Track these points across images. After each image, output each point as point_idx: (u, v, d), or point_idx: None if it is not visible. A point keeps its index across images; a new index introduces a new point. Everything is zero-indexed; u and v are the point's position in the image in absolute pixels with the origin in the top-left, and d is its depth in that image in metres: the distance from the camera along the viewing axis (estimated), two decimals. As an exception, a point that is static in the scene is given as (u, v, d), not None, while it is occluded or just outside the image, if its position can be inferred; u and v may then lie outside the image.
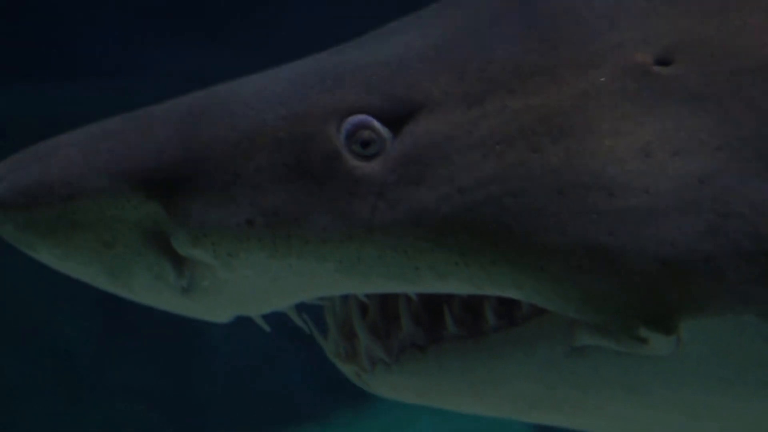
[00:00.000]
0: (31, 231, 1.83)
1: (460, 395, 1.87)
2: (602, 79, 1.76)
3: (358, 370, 1.91)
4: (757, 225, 1.68)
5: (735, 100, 1.72)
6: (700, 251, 1.68)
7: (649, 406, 1.81)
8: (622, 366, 1.76)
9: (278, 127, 1.79)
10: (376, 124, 1.77)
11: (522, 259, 1.71)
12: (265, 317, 1.91)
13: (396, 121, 1.78)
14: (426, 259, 1.74)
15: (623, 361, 1.75)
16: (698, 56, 1.75)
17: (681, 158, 1.71)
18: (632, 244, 1.69)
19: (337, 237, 1.75)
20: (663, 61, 1.76)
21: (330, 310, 1.93)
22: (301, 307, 1.92)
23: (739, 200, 1.69)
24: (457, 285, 1.76)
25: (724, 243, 1.68)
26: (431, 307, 1.86)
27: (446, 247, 1.72)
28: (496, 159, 1.73)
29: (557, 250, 1.70)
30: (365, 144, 1.77)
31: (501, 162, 1.73)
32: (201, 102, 1.87)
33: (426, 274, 1.75)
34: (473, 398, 1.87)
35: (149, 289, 1.84)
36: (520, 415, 1.89)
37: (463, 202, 1.73)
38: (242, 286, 1.81)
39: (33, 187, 1.82)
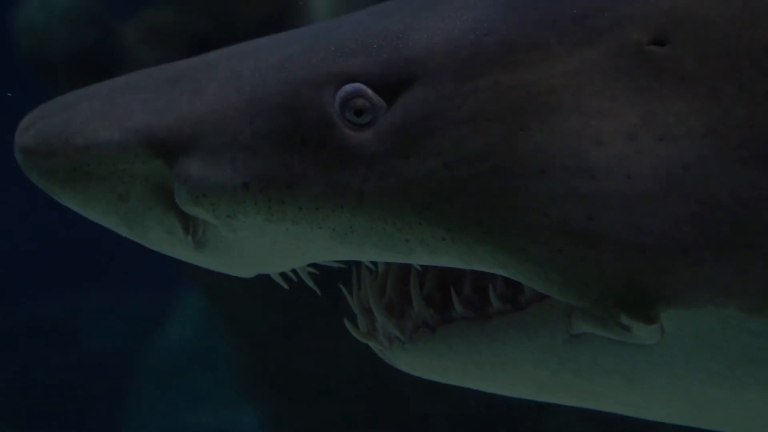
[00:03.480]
0: (52, 179, 1.89)
1: (470, 376, 1.87)
2: (596, 57, 1.71)
3: (379, 346, 1.93)
4: (739, 216, 1.63)
5: (726, 85, 1.66)
6: (680, 240, 1.64)
7: (650, 395, 1.79)
8: (618, 354, 1.74)
9: (277, 92, 1.80)
10: (370, 92, 1.76)
11: (505, 239, 1.69)
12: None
13: (391, 91, 1.77)
14: (414, 232, 1.73)
15: (618, 349, 1.73)
16: (694, 37, 1.69)
17: (666, 143, 1.66)
18: (611, 230, 1.66)
19: (328, 206, 1.76)
20: (659, 41, 1.70)
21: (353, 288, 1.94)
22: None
23: (722, 189, 1.64)
24: (447, 260, 1.75)
25: (704, 233, 1.64)
26: (445, 287, 1.86)
27: (432, 223, 1.72)
28: (483, 135, 1.71)
29: (538, 232, 1.68)
30: (358, 112, 1.76)
31: (487, 139, 1.71)
32: (216, 60, 1.89)
33: (417, 248, 1.75)
34: (483, 379, 1.87)
35: (163, 242, 1.89)
36: (534, 397, 1.89)
37: (449, 178, 1.71)
38: (246, 246, 1.84)
39: (54, 136, 1.87)
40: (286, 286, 1.97)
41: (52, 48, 5.72)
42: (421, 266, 1.86)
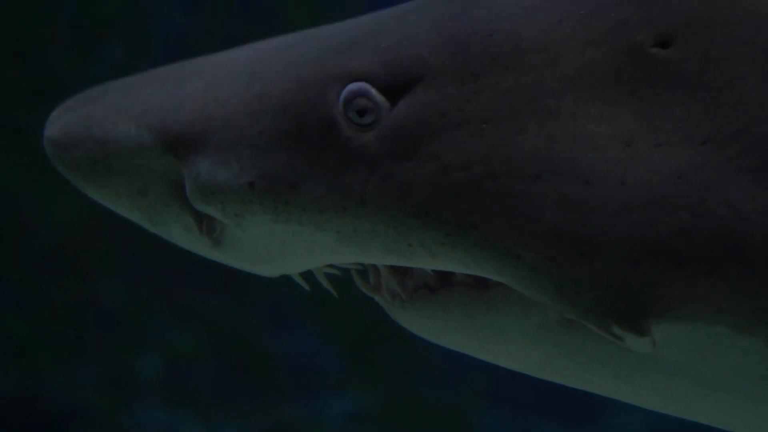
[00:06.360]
0: (76, 172, 1.91)
1: (464, 344, 1.84)
2: (598, 59, 1.66)
3: (383, 301, 1.91)
4: (733, 228, 1.57)
5: (727, 91, 1.60)
6: (672, 252, 1.59)
7: (639, 392, 1.75)
8: (606, 350, 1.70)
9: (284, 90, 1.79)
10: (374, 92, 1.74)
11: (500, 245, 1.66)
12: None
13: (395, 91, 1.74)
14: (416, 236, 1.71)
15: (607, 345, 1.69)
16: (698, 40, 1.63)
17: (662, 150, 1.61)
18: (603, 239, 1.61)
19: (332, 208, 1.74)
20: (662, 43, 1.65)
21: None
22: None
23: (717, 199, 1.58)
24: (449, 264, 1.73)
25: (696, 245, 1.58)
26: None
27: (432, 227, 1.70)
28: (481, 138, 1.68)
29: (532, 239, 1.64)
30: (361, 112, 1.74)
31: (485, 142, 1.67)
32: (236, 56, 1.89)
33: (419, 251, 1.73)
34: (477, 349, 1.84)
35: (183, 238, 1.90)
36: (534, 374, 1.85)
37: (447, 182, 1.68)
38: (258, 245, 1.83)
39: (77, 129, 1.90)
40: (306, 287, 1.96)
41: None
42: None
